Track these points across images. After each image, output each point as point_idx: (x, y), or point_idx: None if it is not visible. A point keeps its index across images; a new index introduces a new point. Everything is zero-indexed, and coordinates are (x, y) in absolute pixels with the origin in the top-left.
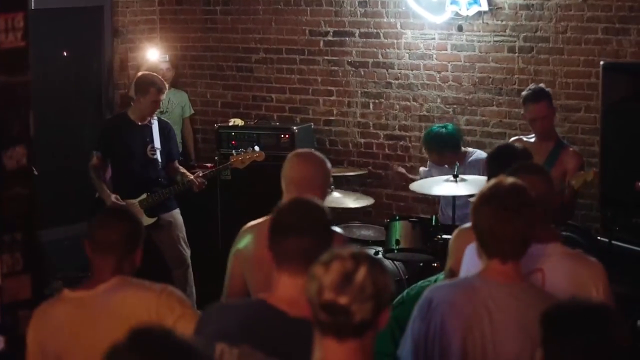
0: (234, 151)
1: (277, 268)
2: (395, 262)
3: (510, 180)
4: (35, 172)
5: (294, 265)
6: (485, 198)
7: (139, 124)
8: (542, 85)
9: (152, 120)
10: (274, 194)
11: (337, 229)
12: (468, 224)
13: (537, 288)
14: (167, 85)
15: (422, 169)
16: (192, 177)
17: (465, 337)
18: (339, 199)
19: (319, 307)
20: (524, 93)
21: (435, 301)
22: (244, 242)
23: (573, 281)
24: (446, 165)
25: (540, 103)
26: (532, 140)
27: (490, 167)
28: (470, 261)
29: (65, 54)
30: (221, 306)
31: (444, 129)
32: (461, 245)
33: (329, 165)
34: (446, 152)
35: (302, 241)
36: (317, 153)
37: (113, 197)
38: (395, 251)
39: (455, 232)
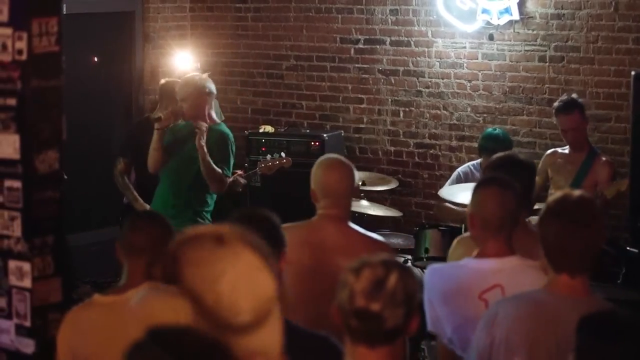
0: (261, 157)
1: None
2: (424, 270)
3: (577, 193)
4: (65, 176)
5: None
6: (554, 212)
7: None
8: (574, 95)
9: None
10: (304, 200)
11: (382, 239)
12: (468, 233)
13: (604, 302)
14: None
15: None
16: None
17: (530, 352)
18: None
19: (351, 314)
20: (555, 104)
21: (501, 315)
22: None
23: None
24: None
25: (572, 114)
26: (566, 151)
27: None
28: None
29: (95, 59)
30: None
31: (499, 132)
32: (462, 256)
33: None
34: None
35: None
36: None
37: (147, 207)
38: (425, 259)
39: (455, 241)
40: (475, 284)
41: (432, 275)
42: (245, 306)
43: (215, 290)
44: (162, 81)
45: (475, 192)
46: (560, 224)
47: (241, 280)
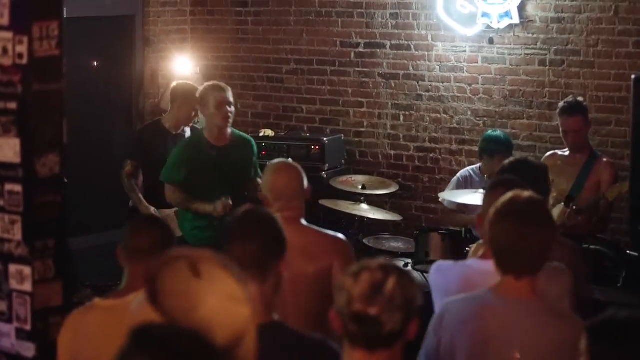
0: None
1: None
2: (424, 274)
3: (526, 194)
4: (65, 180)
5: (244, 271)
6: (504, 213)
7: (173, 133)
8: (580, 98)
9: (185, 129)
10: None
11: (341, 236)
12: None
13: (551, 305)
14: None
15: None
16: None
17: (475, 353)
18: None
19: (349, 318)
20: (560, 104)
21: (447, 316)
22: None
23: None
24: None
25: (575, 117)
26: (566, 153)
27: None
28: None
29: (96, 63)
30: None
31: (499, 134)
32: None
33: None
34: (501, 156)
35: (247, 246)
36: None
37: (152, 209)
38: (425, 263)
39: (474, 246)
40: (479, 284)
41: (437, 273)
42: (221, 334)
43: (193, 320)
44: (174, 84)
45: (485, 193)
46: (512, 226)
47: (218, 310)
